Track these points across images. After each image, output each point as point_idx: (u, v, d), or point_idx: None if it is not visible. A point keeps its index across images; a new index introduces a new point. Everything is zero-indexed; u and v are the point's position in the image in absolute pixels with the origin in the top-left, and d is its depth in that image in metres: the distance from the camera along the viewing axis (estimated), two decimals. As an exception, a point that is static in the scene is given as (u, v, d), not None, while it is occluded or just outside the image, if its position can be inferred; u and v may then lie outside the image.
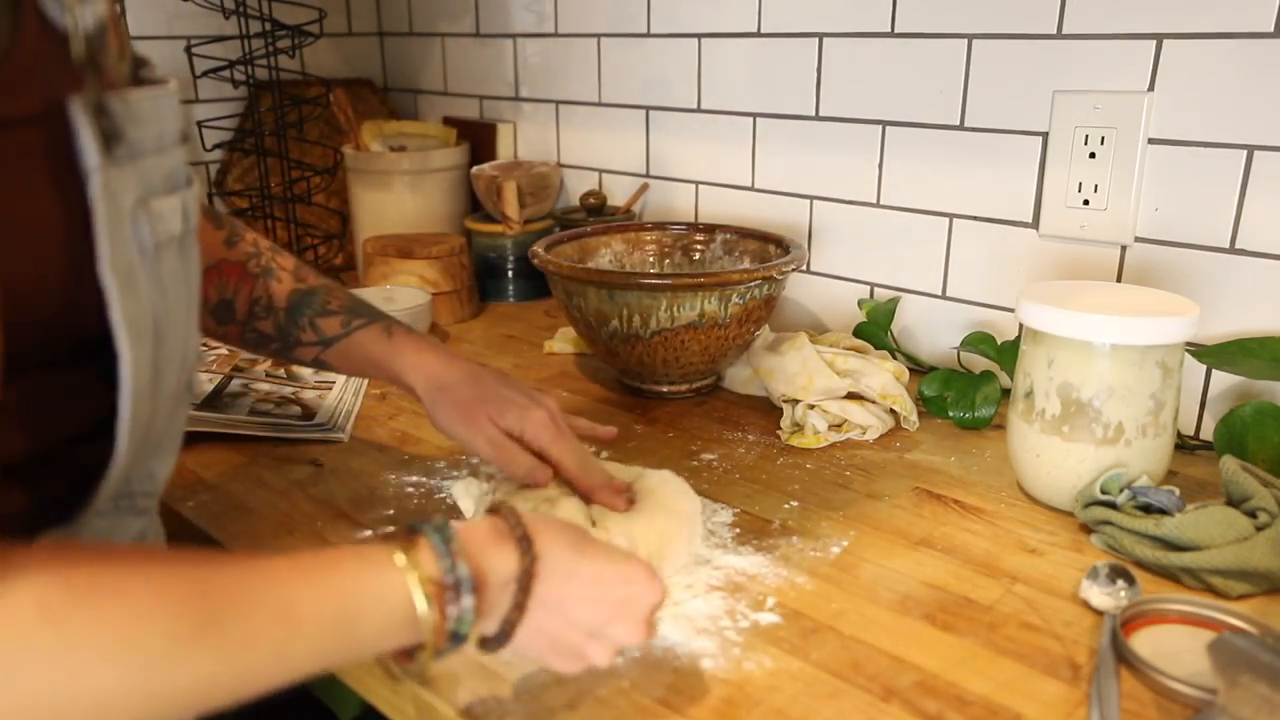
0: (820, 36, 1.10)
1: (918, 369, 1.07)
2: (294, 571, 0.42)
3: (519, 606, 0.49)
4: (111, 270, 0.40)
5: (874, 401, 0.92)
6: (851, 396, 0.92)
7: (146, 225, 0.43)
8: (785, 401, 0.94)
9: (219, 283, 0.76)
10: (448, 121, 1.63)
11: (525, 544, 0.49)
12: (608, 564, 0.52)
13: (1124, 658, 0.59)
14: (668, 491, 0.71)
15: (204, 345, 1.12)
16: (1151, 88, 0.88)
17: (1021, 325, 0.78)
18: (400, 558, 0.45)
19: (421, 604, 0.44)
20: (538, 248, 1.02)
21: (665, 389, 1.02)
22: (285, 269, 0.79)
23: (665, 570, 0.67)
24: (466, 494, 0.75)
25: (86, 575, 0.35)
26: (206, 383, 1.00)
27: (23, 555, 0.33)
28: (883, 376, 0.93)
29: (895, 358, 1.01)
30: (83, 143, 0.39)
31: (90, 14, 0.40)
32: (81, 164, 0.40)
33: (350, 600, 0.42)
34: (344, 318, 0.78)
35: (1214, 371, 0.89)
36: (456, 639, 0.47)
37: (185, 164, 0.49)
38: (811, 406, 0.91)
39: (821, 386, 0.92)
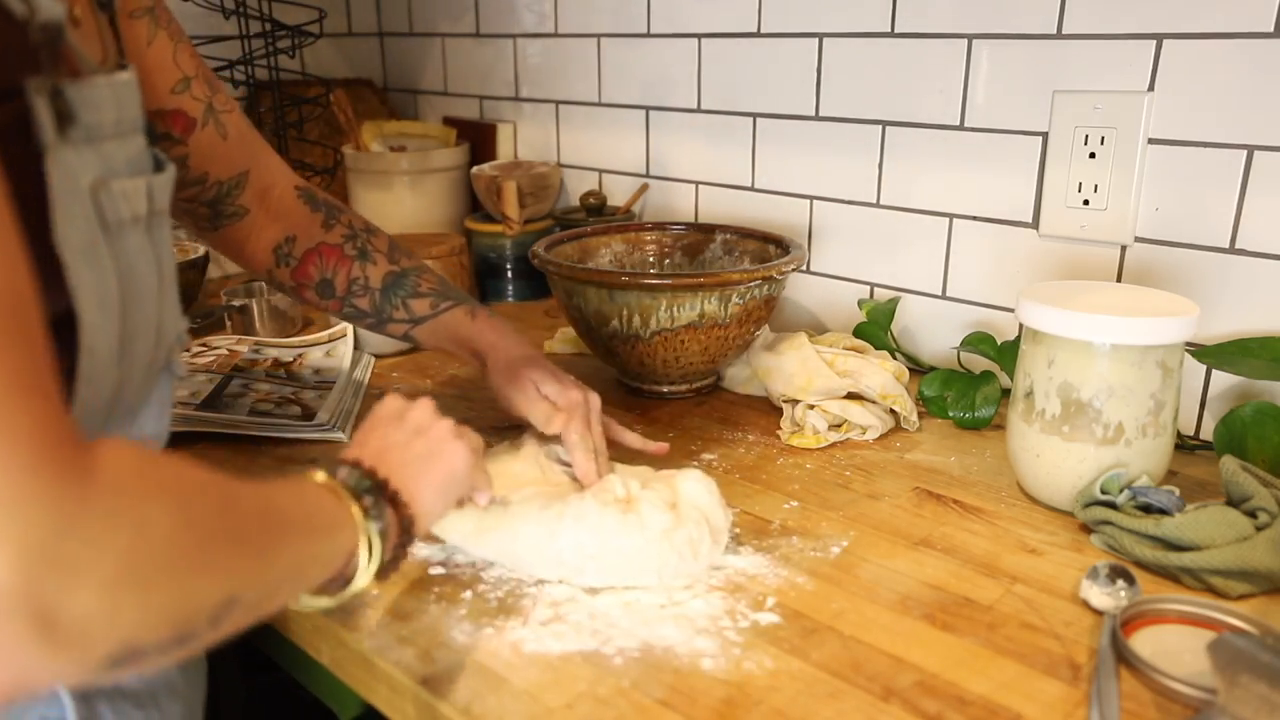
0: (820, 36, 1.10)
1: (918, 369, 1.07)
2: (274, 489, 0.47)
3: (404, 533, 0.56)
4: (66, 243, 0.43)
5: (874, 401, 0.92)
6: (851, 396, 0.92)
7: (108, 203, 0.46)
8: (785, 401, 0.94)
9: (319, 263, 0.85)
10: (448, 121, 1.63)
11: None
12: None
13: (1124, 658, 0.59)
14: (710, 502, 0.70)
15: (203, 345, 1.13)
16: (1151, 88, 0.88)
17: (1021, 325, 0.78)
18: (319, 477, 0.53)
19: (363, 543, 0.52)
20: (538, 248, 1.02)
21: (665, 389, 1.02)
22: (380, 250, 0.86)
23: (682, 572, 0.67)
24: None
25: (144, 449, 0.38)
26: (206, 382, 1.00)
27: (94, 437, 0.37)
28: (882, 376, 0.93)
29: (895, 358, 1.01)
30: (39, 122, 0.42)
31: (48, 7, 0.43)
32: (38, 142, 0.42)
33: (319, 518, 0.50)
34: (433, 300, 0.86)
35: (1214, 371, 0.89)
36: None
37: (152, 151, 0.53)
38: (811, 406, 0.91)
39: (821, 386, 0.92)
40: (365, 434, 0.61)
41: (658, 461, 0.83)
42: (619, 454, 0.87)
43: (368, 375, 1.07)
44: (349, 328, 1.13)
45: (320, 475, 0.52)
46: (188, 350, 1.10)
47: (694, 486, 0.70)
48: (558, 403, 0.78)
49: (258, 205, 0.84)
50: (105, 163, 0.46)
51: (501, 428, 0.89)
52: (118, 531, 0.33)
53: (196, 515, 0.37)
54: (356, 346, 1.13)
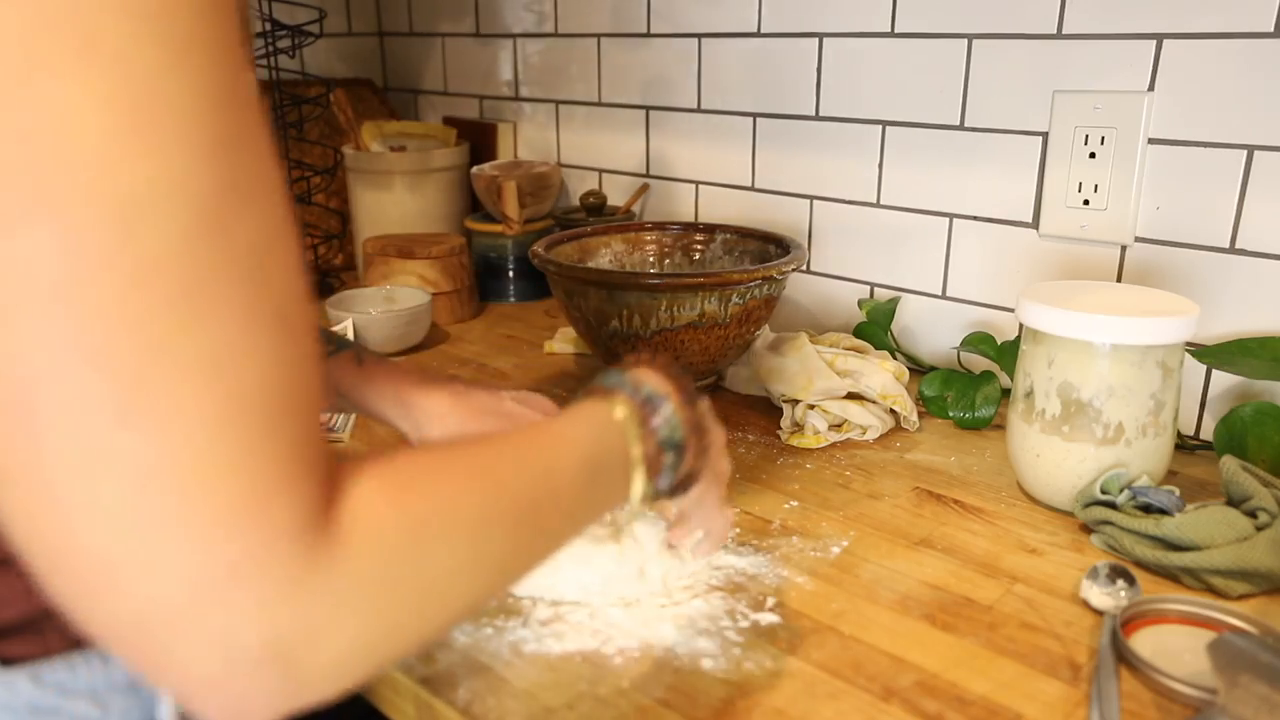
0: (820, 36, 1.10)
1: (918, 369, 1.07)
2: (549, 438, 0.46)
3: (699, 458, 0.54)
4: None
5: (874, 401, 0.92)
6: (851, 396, 0.92)
7: None
8: (785, 401, 0.94)
9: None
10: (448, 121, 1.63)
11: (690, 398, 0.55)
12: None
13: (1124, 658, 0.59)
14: None
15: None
16: (1151, 88, 0.88)
17: (1021, 325, 0.78)
18: (620, 412, 0.49)
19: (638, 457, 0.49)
20: (538, 248, 1.02)
21: (665, 389, 1.01)
22: None
23: (684, 572, 0.67)
24: None
25: (405, 465, 0.37)
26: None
27: (343, 465, 0.36)
28: (883, 376, 0.93)
29: (895, 358, 1.01)
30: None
31: None
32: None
33: (597, 460, 0.47)
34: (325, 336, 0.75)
35: (1214, 371, 0.89)
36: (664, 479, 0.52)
37: None
38: (811, 406, 0.91)
39: (821, 387, 0.92)
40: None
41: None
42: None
43: (368, 375, 1.07)
44: (349, 326, 1.13)
45: (620, 411, 0.49)
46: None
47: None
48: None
49: None
50: None
51: None
52: (363, 597, 0.34)
53: (447, 551, 0.37)
54: (356, 346, 1.12)
